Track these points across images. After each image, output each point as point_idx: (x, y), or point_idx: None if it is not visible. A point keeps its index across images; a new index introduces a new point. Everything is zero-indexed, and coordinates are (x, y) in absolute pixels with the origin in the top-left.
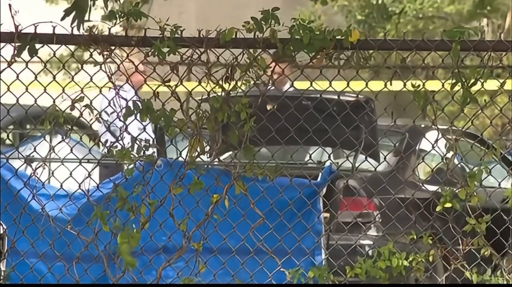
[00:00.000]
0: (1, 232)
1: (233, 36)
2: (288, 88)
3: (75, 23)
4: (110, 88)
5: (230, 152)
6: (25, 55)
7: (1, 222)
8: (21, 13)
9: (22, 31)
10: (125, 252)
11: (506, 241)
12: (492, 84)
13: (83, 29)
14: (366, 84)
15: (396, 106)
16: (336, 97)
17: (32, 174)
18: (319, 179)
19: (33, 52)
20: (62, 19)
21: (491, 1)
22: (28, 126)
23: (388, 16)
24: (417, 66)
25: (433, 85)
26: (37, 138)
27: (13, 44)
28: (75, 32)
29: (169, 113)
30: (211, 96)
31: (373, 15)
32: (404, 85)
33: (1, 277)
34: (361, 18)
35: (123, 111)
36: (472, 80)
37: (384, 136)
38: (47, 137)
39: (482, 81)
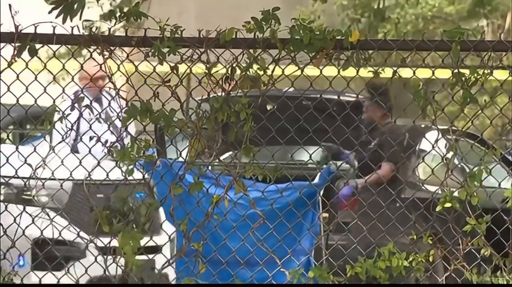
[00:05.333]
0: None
1: (233, 36)
2: (288, 88)
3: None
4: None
5: (230, 152)
6: (25, 55)
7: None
8: (21, 13)
9: (22, 31)
10: (129, 253)
11: (506, 241)
12: (496, 75)
13: (83, 27)
14: (367, 84)
15: (396, 106)
16: (336, 97)
17: (33, 173)
18: (318, 179)
19: (33, 53)
20: (50, 12)
21: (490, 0)
22: (28, 126)
23: (383, 18)
24: (417, 66)
25: (425, 73)
26: (37, 138)
27: (13, 44)
28: (75, 32)
29: (169, 113)
30: (211, 96)
31: (369, 15)
32: (404, 85)
33: (1, 277)
34: (356, 17)
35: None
36: (472, 80)
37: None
38: (47, 137)
39: (482, 81)
